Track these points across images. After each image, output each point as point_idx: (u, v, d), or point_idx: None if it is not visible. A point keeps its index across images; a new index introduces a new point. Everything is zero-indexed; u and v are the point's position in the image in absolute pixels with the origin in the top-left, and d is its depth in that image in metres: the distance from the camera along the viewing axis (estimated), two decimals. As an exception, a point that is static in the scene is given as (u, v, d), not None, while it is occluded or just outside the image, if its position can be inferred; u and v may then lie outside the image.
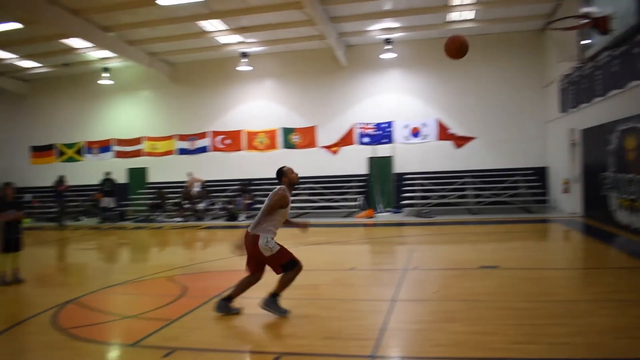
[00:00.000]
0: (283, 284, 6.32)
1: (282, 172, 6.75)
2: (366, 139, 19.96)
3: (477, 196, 18.81)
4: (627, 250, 10.19)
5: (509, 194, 18.64)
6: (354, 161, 20.94)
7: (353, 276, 8.66)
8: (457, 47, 6.91)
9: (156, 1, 15.25)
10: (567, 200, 16.75)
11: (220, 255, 11.65)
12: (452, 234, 13.83)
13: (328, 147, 20.26)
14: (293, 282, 6.36)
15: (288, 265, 6.31)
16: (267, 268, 6.38)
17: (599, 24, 7.17)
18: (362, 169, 21.07)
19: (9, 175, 21.50)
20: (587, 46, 8.52)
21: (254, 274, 6.48)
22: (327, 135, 20.78)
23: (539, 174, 19.23)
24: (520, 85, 19.98)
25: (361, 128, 19.94)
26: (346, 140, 20.13)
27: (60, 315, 6.75)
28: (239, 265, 9.33)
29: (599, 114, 13.71)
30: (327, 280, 8.38)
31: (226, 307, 6.48)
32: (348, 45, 21.08)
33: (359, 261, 10.33)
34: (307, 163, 21.17)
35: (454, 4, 17.04)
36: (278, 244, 6.34)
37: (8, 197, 9.11)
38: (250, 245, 6.34)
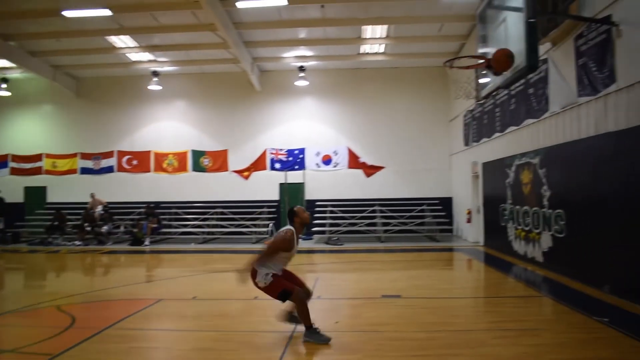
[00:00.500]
0: (301, 316, 6.24)
1: (294, 213, 6.48)
2: (278, 165, 19.91)
3: (386, 224, 19.12)
4: (522, 279, 10.60)
5: (415, 223, 19.09)
6: (265, 187, 20.78)
7: (256, 306, 8.39)
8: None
9: (62, 12, 14.53)
10: (470, 230, 17.39)
11: (120, 282, 10.99)
12: (359, 262, 13.87)
13: (239, 172, 20.01)
14: (305, 308, 6.21)
15: (283, 295, 6.20)
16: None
17: (493, 64, 7.47)
18: (273, 194, 20.89)
19: None
20: (483, 85, 8.93)
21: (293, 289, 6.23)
22: (239, 159, 20.58)
23: (445, 204, 19.88)
24: (428, 118, 20.72)
25: (273, 154, 19.88)
26: (258, 165, 19.99)
27: None
28: (140, 292, 8.79)
29: (498, 149, 14.41)
30: (229, 310, 8.07)
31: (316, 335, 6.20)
32: (262, 70, 21.07)
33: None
34: (218, 187, 20.86)
35: (366, 37, 17.49)
36: (274, 274, 6.21)
37: None
38: (251, 276, 6.26)
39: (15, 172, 21.95)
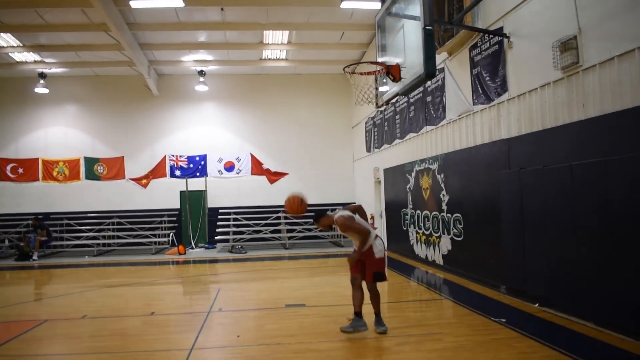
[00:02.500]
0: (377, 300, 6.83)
1: (322, 215, 7.08)
2: (178, 172, 19.26)
3: (290, 231, 18.97)
4: (424, 282, 10.81)
5: (319, 229, 19.08)
6: (165, 195, 19.98)
7: (153, 323, 7.88)
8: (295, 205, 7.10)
9: None
10: (373, 235, 17.59)
11: (1, 302, 9.96)
12: (263, 270, 13.59)
13: (137, 180, 19.14)
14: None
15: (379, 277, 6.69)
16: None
17: (392, 71, 7.53)
18: (174, 203, 20.08)
19: None
20: (382, 92, 9.03)
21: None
22: (137, 166, 19.67)
23: (348, 210, 20.01)
24: (331, 125, 20.87)
25: (173, 160, 19.18)
26: (157, 172, 19.23)
27: None
28: (23, 313, 7.97)
29: (399, 155, 14.71)
30: (123, 328, 7.50)
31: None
32: (160, 74, 20.27)
33: (161, 304, 9.51)
34: (113, 196, 19.82)
35: (268, 42, 17.28)
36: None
37: None
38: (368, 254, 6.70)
39: None
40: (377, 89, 9.19)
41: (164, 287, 11.68)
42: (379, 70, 7.99)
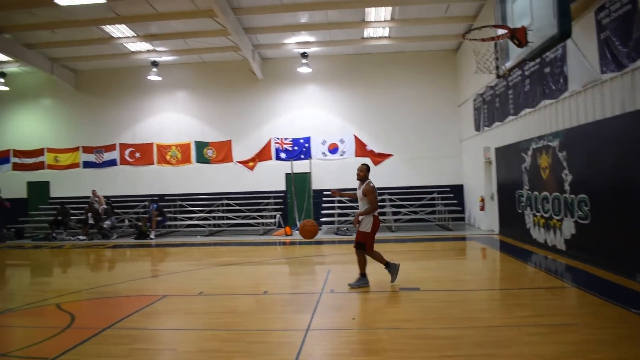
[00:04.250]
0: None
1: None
2: (283, 155, 19.45)
3: (396, 213, 18.61)
4: (544, 269, 10.09)
5: (426, 212, 18.58)
6: (271, 177, 20.30)
7: (265, 301, 7.92)
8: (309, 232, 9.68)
9: (54, 0, 13.96)
10: (484, 218, 16.86)
11: (124, 277, 10.57)
12: (370, 253, 13.36)
13: (244, 162, 19.55)
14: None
15: (359, 246, 8.57)
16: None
17: (517, 35, 6.90)
18: (279, 185, 20.37)
19: None
20: (504, 59, 8.37)
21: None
22: (243, 150, 20.13)
23: (456, 192, 19.36)
24: (436, 104, 20.15)
25: (278, 143, 19.38)
26: (263, 155, 19.55)
27: None
28: (144, 288, 8.30)
29: (512, 132, 13.86)
30: (237, 306, 7.59)
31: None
32: (264, 57, 20.51)
33: (273, 284, 9.59)
34: (222, 178, 20.44)
35: (370, 20, 16.88)
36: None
37: None
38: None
39: (17, 167, 21.84)
40: (498, 55, 8.54)
41: (273, 267, 11.83)
42: (501, 35, 7.39)
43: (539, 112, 12.19)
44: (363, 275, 8.57)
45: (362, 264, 8.61)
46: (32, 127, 22.27)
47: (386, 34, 18.35)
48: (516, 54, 7.65)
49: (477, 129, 17.13)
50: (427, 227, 18.25)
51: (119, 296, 8.69)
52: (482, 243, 14.23)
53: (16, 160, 21.81)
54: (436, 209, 18.83)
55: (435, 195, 19.17)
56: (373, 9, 16.00)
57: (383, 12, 16.43)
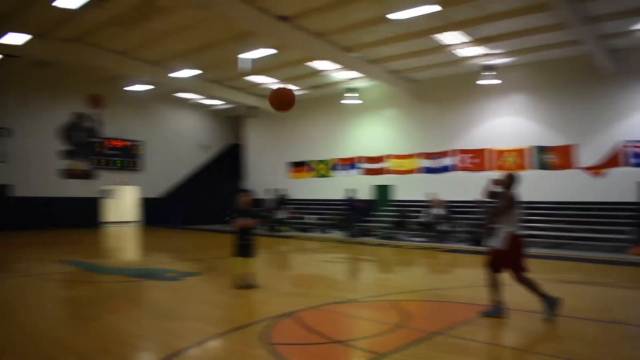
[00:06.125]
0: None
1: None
2: (636, 160, 16.64)
3: None
4: None
5: None
6: (620, 186, 17.38)
7: (612, 330, 6.68)
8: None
9: (386, 15, 15.01)
10: None
11: (459, 282, 10.53)
12: None
13: (587, 169, 17.51)
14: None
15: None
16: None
17: None
18: (629, 195, 17.02)
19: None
20: None
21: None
22: (587, 154, 17.99)
23: None
24: None
25: (630, 147, 16.71)
26: (610, 160, 17.08)
27: (273, 327, 6.54)
28: (481, 297, 7.90)
29: None
30: (584, 333, 6.59)
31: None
32: (611, 49, 17.55)
33: (629, 312, 8.09)
34: (562, 186, 18.71)
35: None
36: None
37: (243, 205, 9.41)
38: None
39: (366, 172, 24.47)
40: None
41: (624, 291, 10.14)
42: None
43: None
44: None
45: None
46: (377, 135, 24.70)
47: None
48: None
49: None
50: None
51: (453, 302, 8.59)
52: None
53: (364, 165, 24.59)
54: None
55: None
56: None
57: None
